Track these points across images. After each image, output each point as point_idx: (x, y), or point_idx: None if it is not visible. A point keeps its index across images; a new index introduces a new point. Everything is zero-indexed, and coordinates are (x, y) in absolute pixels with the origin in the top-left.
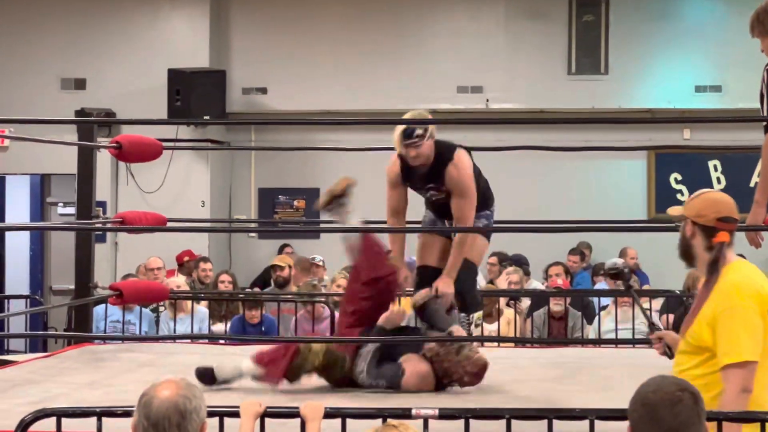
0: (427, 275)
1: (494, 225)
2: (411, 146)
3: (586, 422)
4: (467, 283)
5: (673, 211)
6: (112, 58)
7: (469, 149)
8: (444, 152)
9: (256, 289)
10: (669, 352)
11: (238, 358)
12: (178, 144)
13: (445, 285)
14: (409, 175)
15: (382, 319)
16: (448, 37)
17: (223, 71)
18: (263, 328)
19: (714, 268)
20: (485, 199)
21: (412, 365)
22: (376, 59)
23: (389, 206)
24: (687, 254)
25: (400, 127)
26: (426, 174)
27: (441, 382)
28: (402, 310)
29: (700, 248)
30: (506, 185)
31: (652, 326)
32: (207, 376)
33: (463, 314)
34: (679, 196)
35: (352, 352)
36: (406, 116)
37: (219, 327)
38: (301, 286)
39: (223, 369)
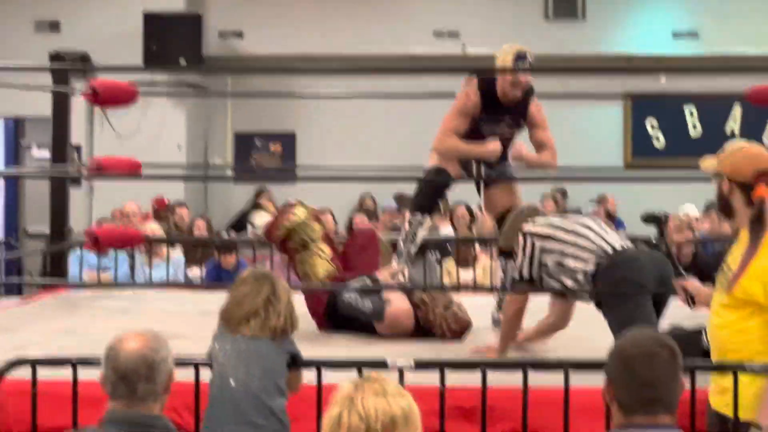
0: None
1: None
2: (521, 70)
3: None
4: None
5: (707, 164)
6: (86, 0)
7: None
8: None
9: (232, 233)
10: (691, 301)
11: None
12: (153, 90)
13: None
14: (490, 106)
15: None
16: None
17: (198, 15)
18: (238, 274)
19: (758, 224)
20: None
21: (398, 300)
22: (353, 2)
23: (452, 128)
24: (726, 210)
25: (512, 50)
26: (512, 107)
27: (420, 328)
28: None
29: (740, 204)
30: None
31: (679, 274)
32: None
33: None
34: (655, 141)
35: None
36: (506, 48)
37: (195, 271)
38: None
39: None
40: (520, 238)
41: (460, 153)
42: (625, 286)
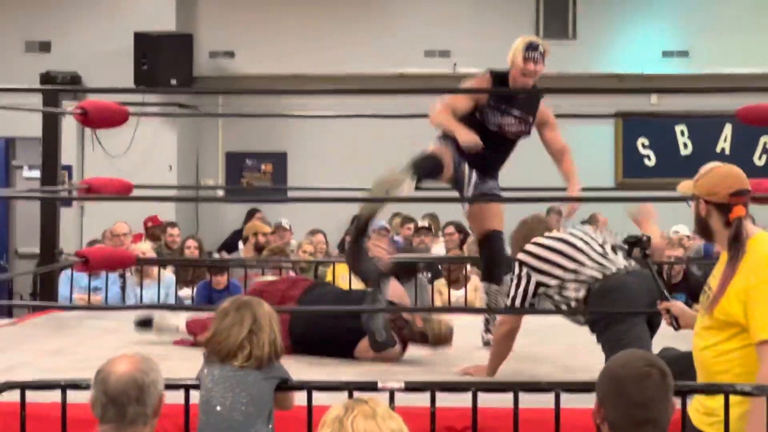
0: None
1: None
2: (531, 60)
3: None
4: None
5: (683, 187)
6: (77, 20)
7: None
8: (535, 85)
9: (224, 254)
10: (675, 323)
11: (179, 318)
12: (144, 109)
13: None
14: (501, 97)
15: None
16: (417, 1)
17: (189, 35)
18: (229, 294)
19: (737, 243)
20: None
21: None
22: (343, 23)
23: (451, 104)
24: (705, 232)
25: (524, 41)
26: (523, 100)
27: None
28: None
29: (718, 225)
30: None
31: (663, 296)
32: (146, 323)
33: (495, 286)
34: (646, 161)
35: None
36: (519, 39)
37: (186, 292)
38: (270, 250)
39: (161, 323)
40: (516, 266)
41: (444, 127)
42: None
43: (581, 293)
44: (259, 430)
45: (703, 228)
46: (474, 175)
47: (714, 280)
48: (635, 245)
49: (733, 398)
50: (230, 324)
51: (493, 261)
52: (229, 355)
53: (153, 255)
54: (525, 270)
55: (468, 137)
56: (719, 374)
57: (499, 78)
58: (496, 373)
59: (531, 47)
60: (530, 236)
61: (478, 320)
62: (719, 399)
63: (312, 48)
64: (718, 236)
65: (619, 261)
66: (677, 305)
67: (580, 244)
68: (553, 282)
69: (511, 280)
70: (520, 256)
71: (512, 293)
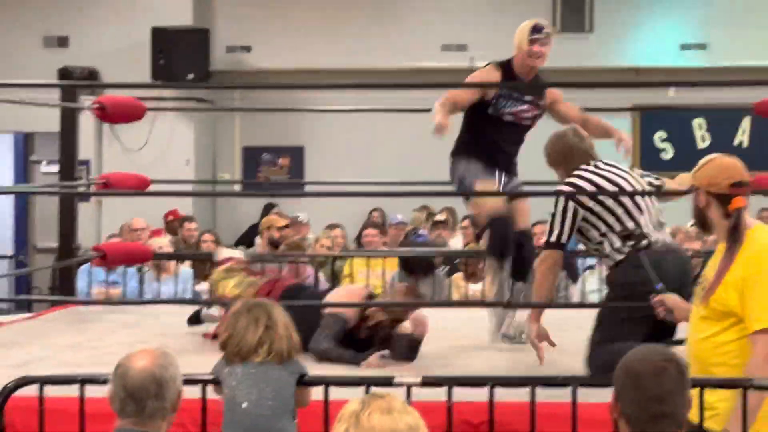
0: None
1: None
2: (537, 42)
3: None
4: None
5: (681, 179)
6: (95, 15)
7: None
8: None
9: (241, 248)
10: (671, 314)
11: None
12: (161, 104)
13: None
14: (509, 81)
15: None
16: None
17: (206, 29)
18: None
19: (735, 234)
20: None
21: None
22: (360, 16)
23: (452, 99)
24: (703, 223)
25: (530, 22)
26: (530, 83)
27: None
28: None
29: (717, 216)
30: None
31: (656, 288)
32: (196, 319)
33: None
34: (663, 154)
35: None
36: (530, 21)
37: (203, 286)
38: (287, 244)
39: (208, 314)
40: (562, 198)
41: (433, 116)
42: (630, 293)
43: (622, 249)
44: (285, 425)
45: (701, 219)
46: (504, 177)
47: (710, 271)
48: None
49: (726, 392)
50: (246, 324)
51: (526, 261)
52: (250, 352)
53: (170, 249)
54: (572, 205)
55: (436, 120)
56: (715, 366)
57: (504, 66)
58: (541, 317)
59: (536, 29)
60: (570, 156)
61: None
62: (717, 393)
63: (328, 42)
64: (716, 227)
65: (663, 233)
66: (672, 298)
67: (637, 196)
68: (601, 227)
69: (553, 214)
70: (569, 188)
71: (556, 229)
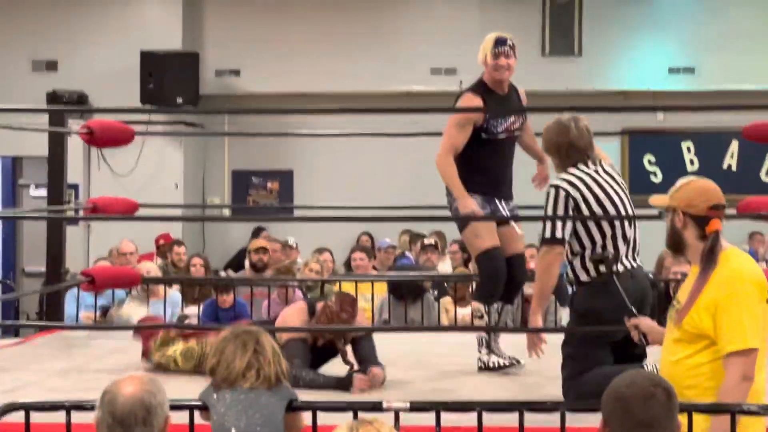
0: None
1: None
2: (502, 54)
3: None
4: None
5: (656, 200)
6: (84, 39)
7: None
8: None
9: (230, 272)
10: (644, 339)
11: None
12: (150, 128)
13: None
14: (491, 99)
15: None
16: (423, 19)
17: (196, 53)
18: (235, 312)
19: (711, 256)
20: None
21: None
22: (350, 40)
23: (452, 145)
24: (677, 244)
25: (492, 36)
26: (508, 96)
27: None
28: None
29: (693, 238)
30: None
31: (629, 313)
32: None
33: (511, 306)
34: (652, 177)
35: None
36: (492, 35)
37: (192, 309)
38: (274, 269)
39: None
40: (562, 196)
41: (448, 183)
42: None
43: (590, 271)
44: None
45: (676, 240)
46: (502, 203)
47: (683, 294)
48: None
49: (700, 415)
50: (233, 349)
51: (516, 285)
52: (238, 378)
53: (158, 273)
54: (572, 204)
55: (467, 206)
56: (688, 389)
57: (480, 89)
58: (544, 310)
59: (499, 42)
60: (568, 151)
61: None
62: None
63: (318, 66)
64: (690, 249)
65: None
66: (645, 321)
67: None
68: (584, 239)
69: (546, 205)
70: (568, 187)
71: (550, 224)
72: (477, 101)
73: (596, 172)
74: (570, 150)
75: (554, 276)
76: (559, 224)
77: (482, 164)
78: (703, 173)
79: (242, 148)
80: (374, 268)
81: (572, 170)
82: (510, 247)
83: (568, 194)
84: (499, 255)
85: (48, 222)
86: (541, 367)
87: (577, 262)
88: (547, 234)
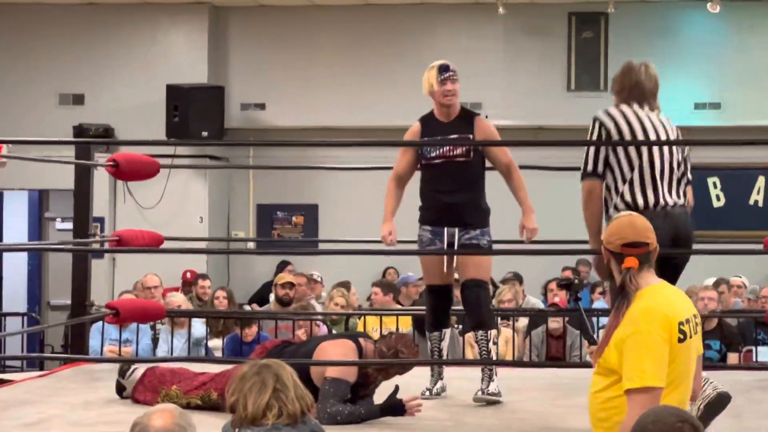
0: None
1: (493, 243)
2: (448, 80)
3: None
4: (486, 299)
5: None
6: (110, 73)
7: None
8: (466, 109)
9: (254, 306)
10: None
11: None
12: (175, 162)
13: (532, 222)
14: (431, 128)
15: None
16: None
17: (221, 87)
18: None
19: (623, 293)
20: (486, 213)
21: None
22: (374, 74)
23: (395, 169)
24: (611, 276)
25: (434, 65)
26: (452, 123)
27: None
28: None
29: (616, 273)
30: (502, 201)
31: (591, 341)
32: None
33: (481, 332)
34: None
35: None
36: (434, 63)
37: (216, 342)
38: (299, 304)
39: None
40: (596, 126)
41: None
42: None
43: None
44: None
45: (609, 273)
46: (454, 232)
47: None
48: (569, 287)
49: None
50: (252, 387)
51: (473, 309)
52: (258, 416)
53: (189, 306)
54: (604, 134)
55: (382, 231)
56: (601, 421)
57: (424, 117)
58: (598, 241)
59: (443, 69)
60: (631, 89)
61: (507, 374)
62: None
63: (342, 100)
64: (616, 284)
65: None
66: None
67: (666, 154)
68: (620, 170)
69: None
70: (604, 118)
71: (585, 157)
72: (416, 128)
73: (647, 115)
74: (634, 88)
75: (592, 209)
76: (591, 158)
77: (425, 191)
78: (729, 209)
79: (267, 182)
80: (398, 302)
81: (621, 106)
82: (466, 272)
83: (602, 125)
84: (433, 291)
85: (73, 254)
86: (570, 397)
87: (611, 206)
88: (582, 169)
